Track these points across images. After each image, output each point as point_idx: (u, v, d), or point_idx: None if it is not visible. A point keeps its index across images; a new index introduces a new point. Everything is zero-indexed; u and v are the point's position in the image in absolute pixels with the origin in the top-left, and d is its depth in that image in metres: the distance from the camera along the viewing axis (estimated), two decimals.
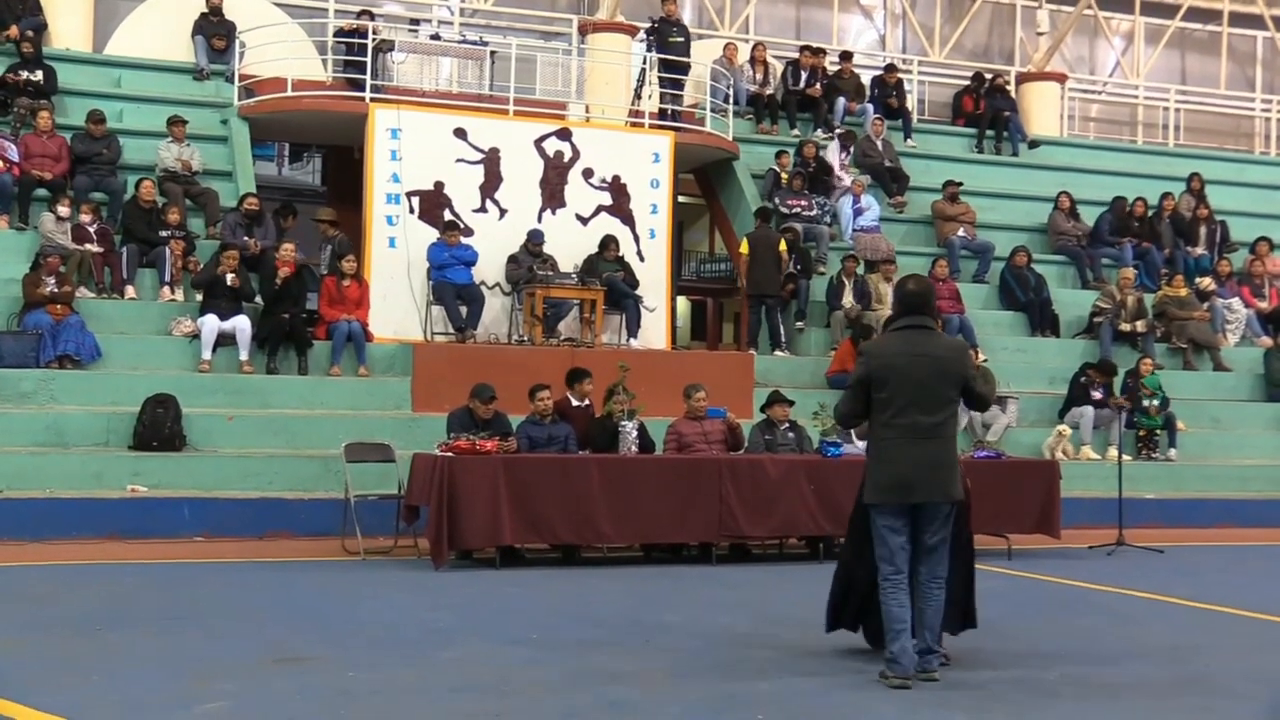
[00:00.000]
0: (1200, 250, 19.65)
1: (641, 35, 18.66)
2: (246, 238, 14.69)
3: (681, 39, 18.45)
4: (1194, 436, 16.56)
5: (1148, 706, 6.58)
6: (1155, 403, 16.09)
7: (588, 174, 16.29)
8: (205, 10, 17.58)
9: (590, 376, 12.17)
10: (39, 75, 15.96)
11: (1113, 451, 15.01)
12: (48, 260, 13.57)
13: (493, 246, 15.47)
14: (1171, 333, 18.00)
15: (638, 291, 15.81)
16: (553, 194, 16.12)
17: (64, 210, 14.27)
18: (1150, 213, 19.55)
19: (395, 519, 11.30)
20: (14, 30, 16.46)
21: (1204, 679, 7.19)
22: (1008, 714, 6.36)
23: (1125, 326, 17.50)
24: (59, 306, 13.34)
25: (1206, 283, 18.77)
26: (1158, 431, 16.16)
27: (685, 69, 18.26)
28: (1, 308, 13.63)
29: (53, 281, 13.46)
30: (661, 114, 17.80)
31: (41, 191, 14.79)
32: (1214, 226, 19.91)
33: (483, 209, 15.82)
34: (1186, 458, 16.22)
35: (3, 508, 11.51)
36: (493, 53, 17.59)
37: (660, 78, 17.99)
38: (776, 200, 17.61)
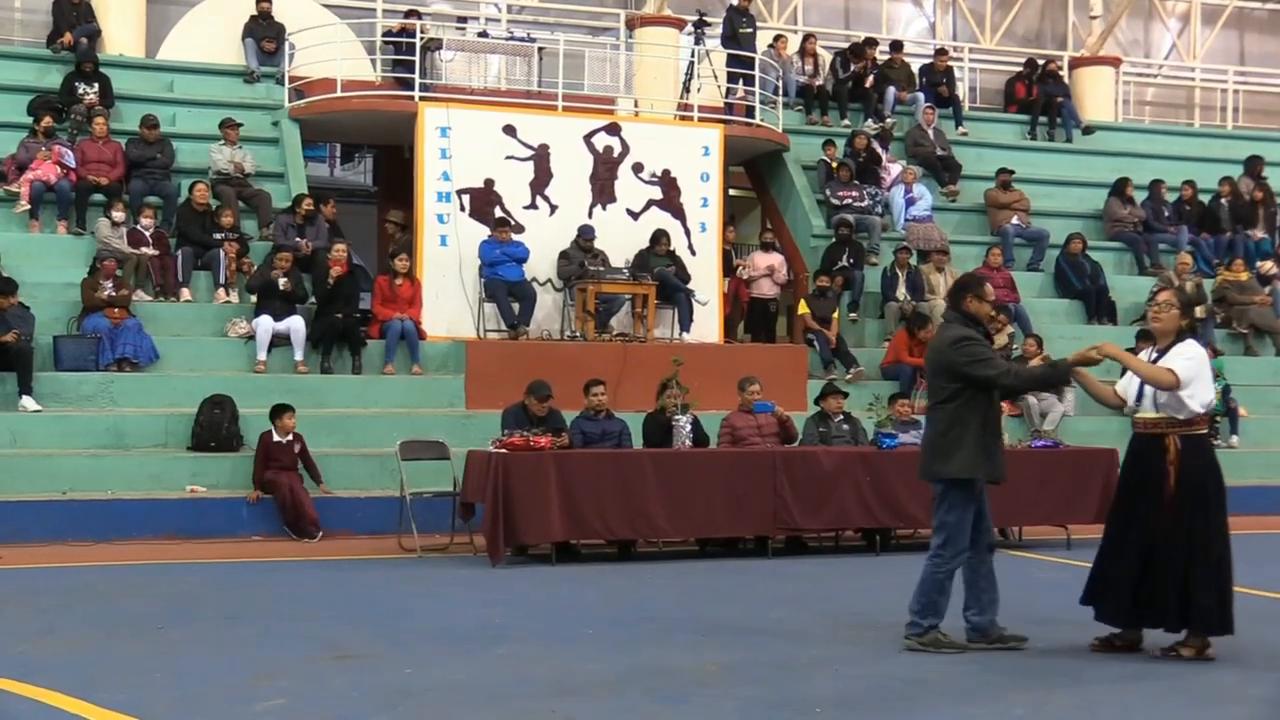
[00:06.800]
0: (1260, 234, 19.36)
1: (689, 28, 18.61)
2: (299, 238, 14.79)
3: (750, 30, 18.35)
4: (1256, 423, 16.33)
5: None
6: (1218, 386, 15.83)
7: (637, 169, 16.26)
8: (255, 13, 17.70)
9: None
10: (95, 88, 16.08)
11: None
12: (104, 264, 13.73)
13: (544, 243, 15.48)
14: (1232, 318, 17.75)
15: (690, 285, 15.79)
16: (603, 189, 16.11)
17: (119, 215, 14.41)
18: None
19: (451, 516, 11.34)
20: (68, 37, 16.67)
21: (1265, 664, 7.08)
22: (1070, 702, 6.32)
23: None
24: (116, 310, 13.48)
25: (1268, 266, 18.48)
26: (1218, 418, 15.91)
27: (752, 62, 18.05)
28: (61, 312, 13.79)
29: (110, 285, 13.62)
30: (729, 109, 17.73)
31: (97, 197, 14.95)
32: (1274, 209, 19.61)
33: (533, 205, 15.83)
34: (1248, 444, 15.99)
35: (66, 509, 11.67)
36: (540, 49, 17.60)
37: (729, 72, 17.89)
38: (828, 192, 17.52)
